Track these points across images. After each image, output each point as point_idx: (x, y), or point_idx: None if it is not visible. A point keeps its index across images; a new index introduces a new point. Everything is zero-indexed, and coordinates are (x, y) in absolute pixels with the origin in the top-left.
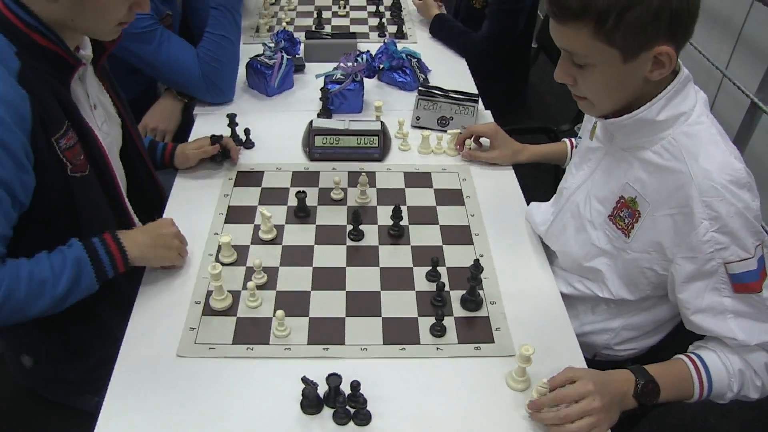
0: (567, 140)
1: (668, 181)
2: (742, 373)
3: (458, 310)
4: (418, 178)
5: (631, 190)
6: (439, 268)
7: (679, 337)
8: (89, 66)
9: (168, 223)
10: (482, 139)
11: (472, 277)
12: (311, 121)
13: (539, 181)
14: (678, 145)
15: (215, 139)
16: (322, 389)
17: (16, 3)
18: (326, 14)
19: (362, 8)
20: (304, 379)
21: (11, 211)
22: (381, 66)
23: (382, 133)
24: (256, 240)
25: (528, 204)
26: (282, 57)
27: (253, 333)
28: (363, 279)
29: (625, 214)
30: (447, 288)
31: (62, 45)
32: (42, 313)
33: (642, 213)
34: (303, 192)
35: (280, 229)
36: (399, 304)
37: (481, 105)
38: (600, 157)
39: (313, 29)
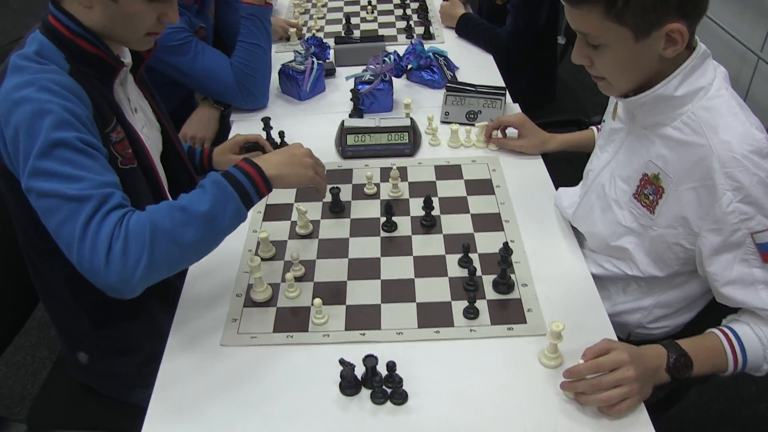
0: (594, 127)
1: (689, 156)
2: None
3: (490, 293)
4: (449, 171)
5: (653, 167)
6: (470, 254)
7: (713, 314)
8: (129, 75)
9: (298, 145)
10: (510, 130)
11: (502, 259)
12: (343, 121)
13: (574, 172)
14: (697, 119)
15: (252, 149)
16: (360, 371)
17: (61, 12)
18: (355, 20)
19: (390, 12)
20: (342, 361)
21: (110, 167)
22: (409, 66)
23: (412, 129)
24: (294, 235)
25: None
26: (313, 62)
27: (292, 322)
28: (397, 267)
29: (649, 191)
30: (479, 273)
31: (105, 49)
32: (198, 243)
33: (666, 189)
34: (337, 188)
35: (315, 224)
36: (432, 289)
37: (508, 98)
38: (623, 137)
39: (343, 35)
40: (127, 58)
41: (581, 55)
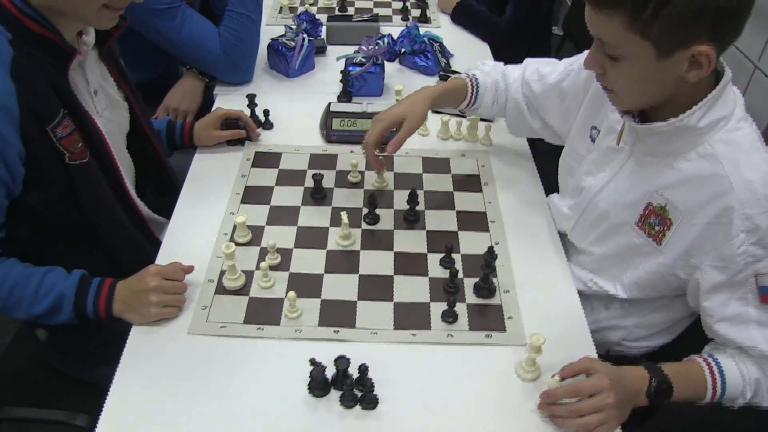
0: (467, 78)
1: (704, 190)
2: (758, 382)
3: (471, 297)
4: (437, 164)
5: (659, 197)
6: (453, 255)
7: (694, 336)
8: (91, 52)
9: (148, 271)
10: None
11: (485, 264)
12: (329, 104)
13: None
14: (715, 152)
15: (232, 125)
16: (330, 372)
17: None
18: None
19: None
20: (312, 361)
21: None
22: (403, 50)
23: None
24: (272, 221)
25: (546, 193)
26: (303, 39)
27: (264, 313)
28: (376, 263)
29: (654, 221)
30: (460, 275)
31: (57, 33)
32: (18, 318)
33: (674, 221)
34: (320, 174)
35: (295, 210)
36: (411, 289)
37: None
38: (623, 160)
39: (336, 12)
40: (90, 35)
41: (595, 62)
